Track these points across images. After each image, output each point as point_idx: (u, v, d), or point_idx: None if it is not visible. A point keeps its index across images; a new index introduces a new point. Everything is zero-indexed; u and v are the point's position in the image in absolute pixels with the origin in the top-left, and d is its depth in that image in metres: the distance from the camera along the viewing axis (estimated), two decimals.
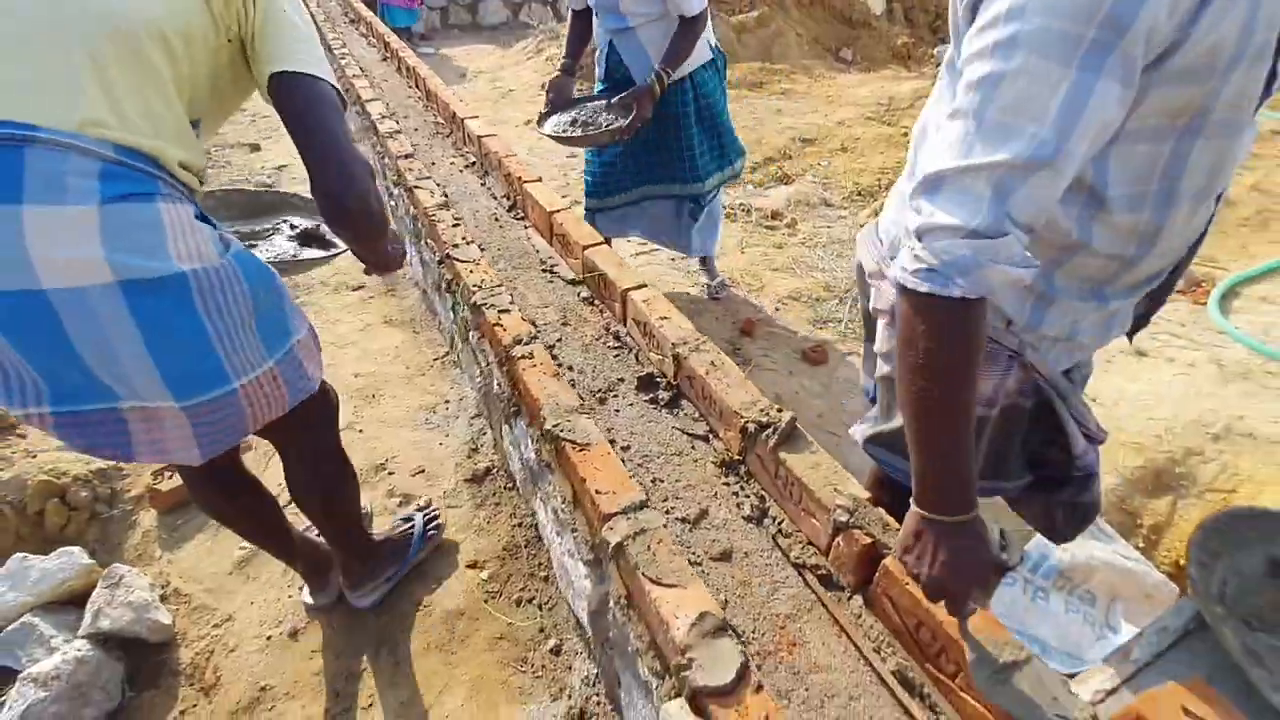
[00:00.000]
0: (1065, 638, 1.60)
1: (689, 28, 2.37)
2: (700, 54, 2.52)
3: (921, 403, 0.78)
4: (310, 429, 1.35)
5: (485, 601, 1.67)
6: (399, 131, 2.85)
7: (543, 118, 2.63)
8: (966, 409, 0.77)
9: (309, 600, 1.69)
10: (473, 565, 1.77)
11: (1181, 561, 1.76)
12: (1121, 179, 0.80)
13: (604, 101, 2.58)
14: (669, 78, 2.42)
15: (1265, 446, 1.94)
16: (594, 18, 2.59)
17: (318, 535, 1.69)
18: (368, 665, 1.56)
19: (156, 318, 0.93)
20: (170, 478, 1.95)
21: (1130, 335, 1.09)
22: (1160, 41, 0.67)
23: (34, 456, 1.96)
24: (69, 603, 1.69)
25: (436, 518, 1.83)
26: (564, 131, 2.50)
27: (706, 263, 3.06)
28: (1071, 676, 0.88)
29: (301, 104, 1.02)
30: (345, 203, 1.04)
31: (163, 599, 1.71)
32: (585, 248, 1.88)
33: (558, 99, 2.65)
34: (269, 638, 1.63)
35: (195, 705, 1.52)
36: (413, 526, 1.76)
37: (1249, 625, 0.86)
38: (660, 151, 2.63)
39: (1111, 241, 0.85)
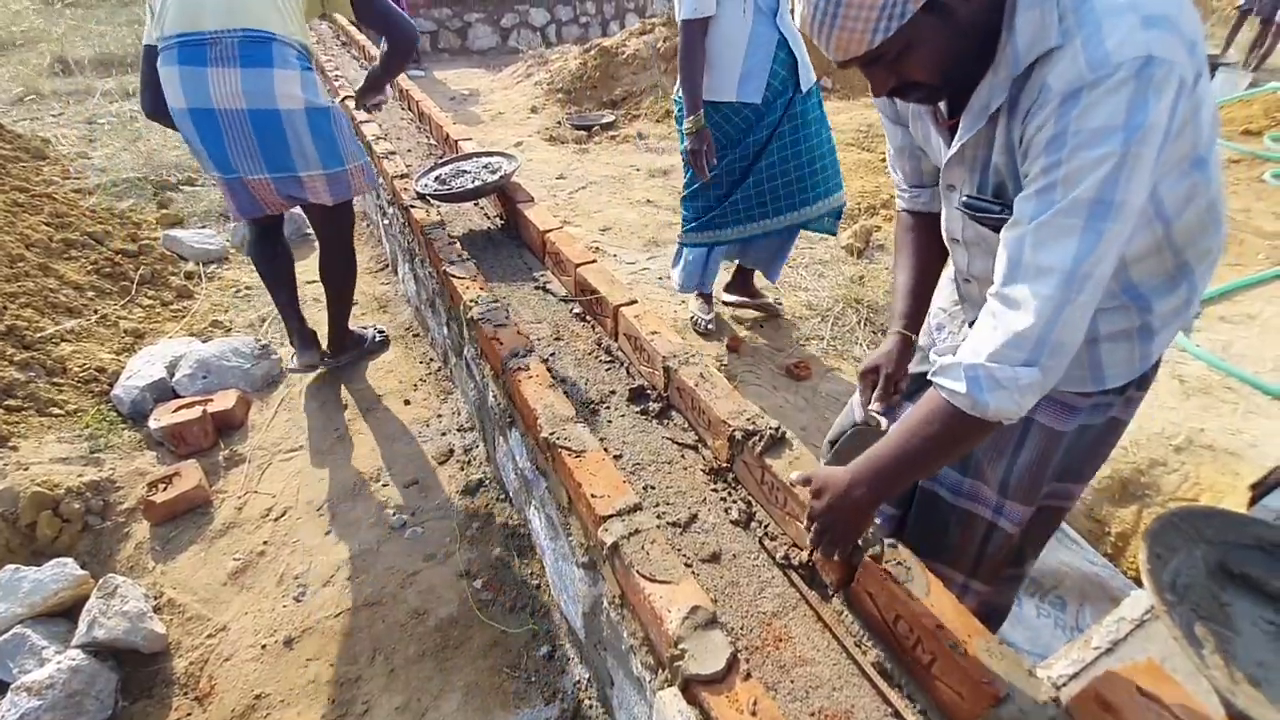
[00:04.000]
0: (1036, 640, 1.67)
1: None
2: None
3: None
4: (344, 220, 2.33)
5: (478, 609, 1.70)
6: (394, 153, 2.92)
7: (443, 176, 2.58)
8: None
9: (293, 364, 2.53)
10: (466, 575, 1.80)
11: None
12: None
13: (469, 160, 2.59)
14: None
15: (1223, 457, 2.04)
16: (744, 22, 2.24)
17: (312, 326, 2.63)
18: (362, 672, 1.58)
19: (320, 126, 1.97)
20: (164, 490, 1.97)
21: None
22: None
23: (26, 468, 1.96)
24: (60, 614, 1.70)
25: (384, 332, 2.79)
26: (432, 189, 2.43)
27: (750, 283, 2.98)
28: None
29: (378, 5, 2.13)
30: (410, 37, 2.19)
31: (156, 610, 1.72)
32: (577, 265, 1.95)
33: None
34: (264, 646, 1.64)
35: (190, 714, 1.53)
36: (367, 330, 2.74)
37: (1196, 614, 0.94)
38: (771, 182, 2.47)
39: None
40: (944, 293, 1.34)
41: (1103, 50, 0.75)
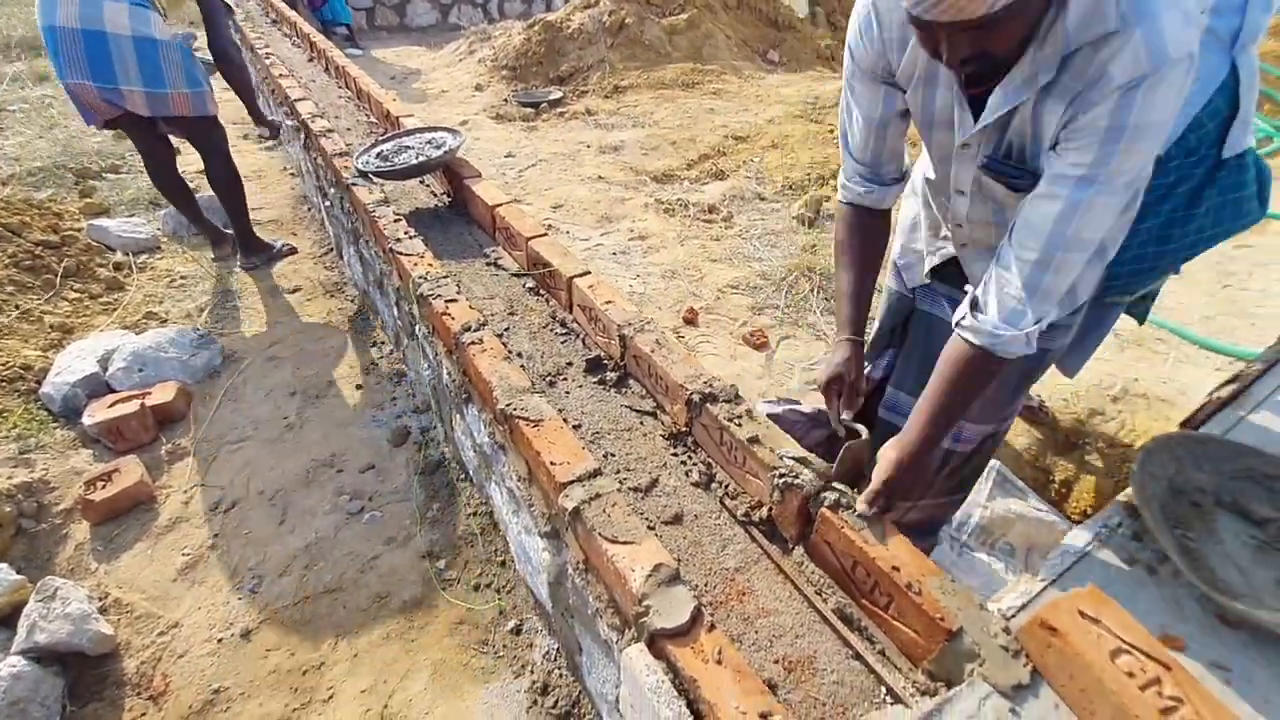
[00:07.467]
0: (989, 586, 1.74)
1: None
2: None
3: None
4: (211, 137, 2.88)
5: (443, 589, 1.69)
6: (332, 130, 2.81)
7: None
8: None
9: (211, 255, 3.22)
10: (428, 555, 1.78)
11: (1089, 511, 1.93)
12: None
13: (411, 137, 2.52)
14: None
15: (1156, 405, 2.15)
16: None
17: (223, 226, 3.29)
18: (325, 659, 1.55)
19: (146, 53, 2.48)
20: (103, 488, 1.88)
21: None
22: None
23: None
24: None
25: (290, 245, 3.31)
26: (374, 166, 2.34)
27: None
28: None
29: (208, 6, 2.84)
30: (220, 46, 2.95)
31: (102, 610, 1.65)
32: (529, 239, 1.92)
33: None
34: (220, 640, 1.59)
35: (144, 714, 1.48)
36: (275, 241, 3.28)
37: (1181, 530, 1.01)
38: None
39: None
40: (914, 235, 1.41)
41: (1161, 43, 0.79)
